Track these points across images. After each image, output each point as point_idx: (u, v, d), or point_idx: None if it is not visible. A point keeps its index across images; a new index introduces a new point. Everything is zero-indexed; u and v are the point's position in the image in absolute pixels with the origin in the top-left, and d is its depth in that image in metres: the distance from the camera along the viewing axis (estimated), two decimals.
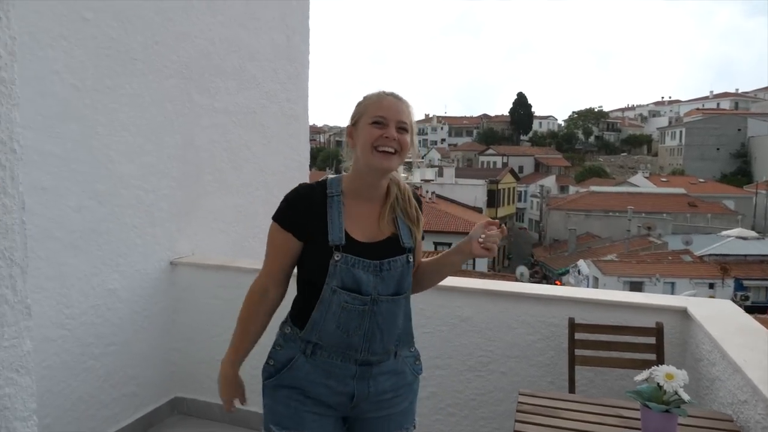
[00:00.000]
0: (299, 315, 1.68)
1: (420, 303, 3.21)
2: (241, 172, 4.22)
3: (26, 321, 1.30)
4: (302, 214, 1.64)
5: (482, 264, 26.90)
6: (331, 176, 1.72)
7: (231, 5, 4.05)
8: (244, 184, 4.22)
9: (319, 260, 1.61)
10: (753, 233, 30.59)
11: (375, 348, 1.64)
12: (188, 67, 3.69)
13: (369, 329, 1.62)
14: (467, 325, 3.18)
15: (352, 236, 1.63)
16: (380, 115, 1.62)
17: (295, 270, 1.74)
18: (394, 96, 1.68)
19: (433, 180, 38.74)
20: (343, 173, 1.74)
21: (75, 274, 3.02)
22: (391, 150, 1.61)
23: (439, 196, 31.96)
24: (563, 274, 29.39)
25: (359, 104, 1.69)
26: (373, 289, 1.61)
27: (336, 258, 1.59)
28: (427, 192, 32.00)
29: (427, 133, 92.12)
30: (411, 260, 1.70)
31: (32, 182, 2.69)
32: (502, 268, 37.37)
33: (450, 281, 3.39)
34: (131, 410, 3.44)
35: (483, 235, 1.63)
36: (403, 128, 1.64)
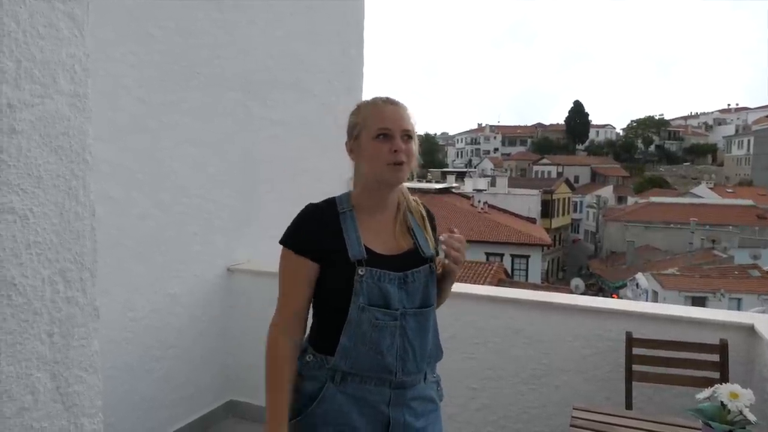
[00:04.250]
0: (321, 341, 1.56)
1: (471, 314, 3.20)
2: (297, 182, 4.32)
3: (94, 323, 1.36)
4: (315, 234, 1.53)
5: (536, 275, 26.41)
6: (338, 194, 1.63)
7: (290, 20, 4.16)
8: (300, 193, 4.29)
9: (342, 279, 1.50)
10: None
11: (409, 367, 1.53)
12: (248, 80, 3.81)
13: (401, 347, 1.51)
14: (520, 337, 3.13)
15: (372, 250, 1.53)
16: (385, 127, 1.52)
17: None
18: (392, 102, 1.58)
19: (485, 190, 38.35)
20: (350, 189, 1.65)
21: (139, 280, 3.15)
22: (401, 162, 1.52)
23: (491, 206, 31.57)
24: (620, 287, 28.50)
25: (356, 115, 1.60)
26: (399, 302, 1.52)
27: (360, 273, 1.49)
28: (479, 202, 31.69)
29: (479, 143, 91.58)
30: (434, 269, 1.61)
31: (102, 191, 2.83)
32: (556, 280, 36.59)
33: (502, 292, 3.36)
34: (189, 412, 3.55)
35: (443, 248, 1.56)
36: (408, 136, 1.54)
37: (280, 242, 1.56)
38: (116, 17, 2.87)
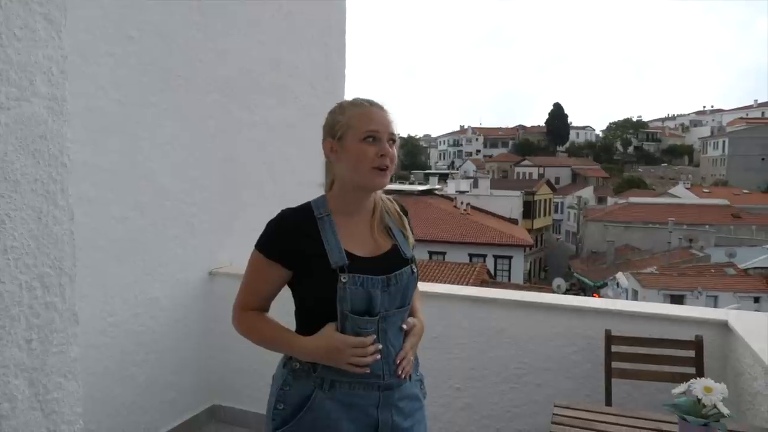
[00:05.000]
0: None
1: (456, 314, 3.22)
2: (279, 184, 4.30)
3: (74, 328, 1.35)
4: (292, 241, 1.50)
5: (518, 276, 26.58)
6: (313, 199, 1.60)
7: (271, 24, 4.15)
8: (282, 196, 4.29)
9: (324, 287, 1.48)
10: None
11: (393, 368, 1.54)
12: (229, 83, 3.79)
13: (384, 349, 1.51)
14: (503, 336, 3.16)
15: (353, 254, 1.51)
16: (374, 129, 1.50)
17: (293, 302, 1.61)
18: (378, 106, 1.56)
19: (468, 191, 38.49)
20: (325, 192, 1.63)
21: (118, 283, 3.12)
22: (386, 167, 1.51)
23: (474, 208, 31.71)
24: (601, 286, 28.77)
25: (340, 114, 1.56)
26: (381, 306, 1.51)
27: (343, 280, 1.46)
28: (461, 203, 31.81)
29: (461, 145, 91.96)
30: (415, 271, 1.61)
31: (79, 193, 2.80)
32: (538, 280, 36.85)
33: (485, 293, 3.38)
34: (170, 417, 3.51)
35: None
36: (393, 140, 1.53)
37: (255, 247, 1.56)
38: (94, 19, 2.84)
